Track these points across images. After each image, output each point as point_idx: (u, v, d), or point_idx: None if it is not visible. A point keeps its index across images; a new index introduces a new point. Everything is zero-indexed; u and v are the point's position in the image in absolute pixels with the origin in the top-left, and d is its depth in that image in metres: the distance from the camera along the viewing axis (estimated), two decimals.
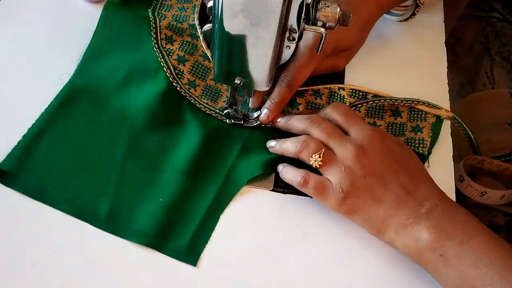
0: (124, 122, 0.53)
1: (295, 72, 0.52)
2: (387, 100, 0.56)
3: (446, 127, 0.56)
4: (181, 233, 0.48)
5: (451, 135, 0.55)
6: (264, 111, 0.53)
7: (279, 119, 0.53)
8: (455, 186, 0.52)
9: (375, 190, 0.45)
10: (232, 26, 0.42)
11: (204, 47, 0.59)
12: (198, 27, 0.60)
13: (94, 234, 0.48)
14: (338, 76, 0.59)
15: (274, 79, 0.50)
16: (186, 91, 0.55)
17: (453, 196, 0.50)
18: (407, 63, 0.61)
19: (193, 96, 0.55)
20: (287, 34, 0.45)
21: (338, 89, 0.57)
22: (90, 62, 0.57)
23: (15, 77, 0.56)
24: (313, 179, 0.46)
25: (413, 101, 0.55)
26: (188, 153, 0.51)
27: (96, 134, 0.52)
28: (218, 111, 0.55)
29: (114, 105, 0.54)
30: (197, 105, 0.55)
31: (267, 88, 0.49)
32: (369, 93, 0.57)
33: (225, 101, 0.56)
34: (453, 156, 0.54)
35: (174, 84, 0.55)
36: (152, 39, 0.58)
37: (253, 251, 0.48)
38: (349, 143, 0.46)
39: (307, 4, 0.44)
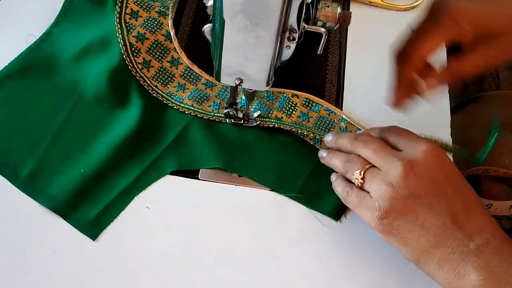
0: (73, 93, 0.54)
1: (409, 43, 0.44)
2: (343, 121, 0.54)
3: (446, 131, 0.56)
4: (90, 207, 0.48)
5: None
6: None
7: (329, 138, 0.49)
8: None
9: (418, 214, 0.40)
10: (232, 25, 0.42)
11: (169, 25, 0.58)
12: (170, 6, 0.59)
13: None
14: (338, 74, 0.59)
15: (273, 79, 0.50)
16: (138, 70, 0.55)
17: None
18: None
19: (144, 76, 0.55)
20: (287, 34, 0.45)
21: (292, 96, 0.56)
22: (57, 28, 0.58)
23: None
24: (354, 192, 0.43)
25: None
26: (123, 132, 0.52)
27: (43, 99, 0.54)
28: (165, 95, 0.55)
29: (69, 74, 0.56)
30: (145, 86, 0.55)
31: (267, 88, 0.49)
32: (322, 105, 0.56)
33: (175, 87, 0.56)
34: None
35: (127, 62, 0.55)
36: (116, 12, 0.57)
37: (253, 251, 0.47)
38: (396, 158, 0.41)
39: (307, 4, 0.44)
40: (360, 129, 0.54)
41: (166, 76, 0.56)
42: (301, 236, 0.48)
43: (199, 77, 0.57)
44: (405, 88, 0.45)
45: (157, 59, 0.57)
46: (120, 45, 0.55)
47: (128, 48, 0.55)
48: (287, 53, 0.47)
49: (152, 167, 0.51)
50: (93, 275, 0.46)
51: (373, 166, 0.43)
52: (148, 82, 0.55)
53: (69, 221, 0.48)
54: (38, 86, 0.55)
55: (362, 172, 0.43)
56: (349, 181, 0.45)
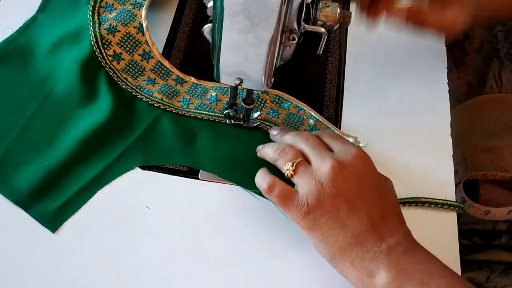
0: (45, 85, 0.55)
1: None
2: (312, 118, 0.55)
3: (446, 131, 0.56)
4: (52, 199, 0.49)
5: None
6: None
7: (275, 132, 0.51)
8: None
9: (340, 212, 0.42)
10: (232, 26, 0.42)
11: (142, 17, 0.58)
12: None
13: (94, 234, 0.48)
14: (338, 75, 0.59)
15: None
16: (108, 62, 0.55)
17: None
18: (406, 63, 0.61)
19: (114, 68, 0.55)
20: (287, 34, 0.45)
21: (262, 93, 0.56)
22: (35, 23, 0.59)
23: None
24: (279, 187, 0.44)
25: None
26: (91, 125, 0.52)
27: (15, 91, 0.55)
28: (135, 88, 0.55)
29: (42, 67, 0.56)
30: (115, 78, 0.55)
31: (267, 88, 0.49)
32: (292, 102, 0.56)
33: (145, 80, 0.56)
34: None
35: (97, 53, 0.55)
36: (89, 6, 0.57)
37: (253, 251, 0.47)
38: (328, 157, 0.43)
39: (307, 4, 0.44)
40: (328, 127, 0.54)
41: (136, 70, 0.56)
42: (301, 236, 0.48)
43: (170, 73, 0.57)
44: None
45: (128, 52, 0.56)
46: (91, 37, 0.55)
47: (99, 40, 0.55)
48: (287, 53, 0.47)
49: (118, 161, 0.51)
50: (93, 275, 0.46)
51: (305, 160, 0.44)
52: (118, 74, 0.55)
53: (30, 213, 0.48)
54: (11, 78, 0.55)
55: (295, 164, 0.44)
56: (277, 172, 0.46)
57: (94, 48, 0.55)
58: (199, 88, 0.56)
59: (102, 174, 0.50)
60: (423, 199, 0.51)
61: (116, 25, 0.56)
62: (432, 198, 0.51)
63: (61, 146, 0.51)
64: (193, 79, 0.57)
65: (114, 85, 0.55)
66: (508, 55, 0.70)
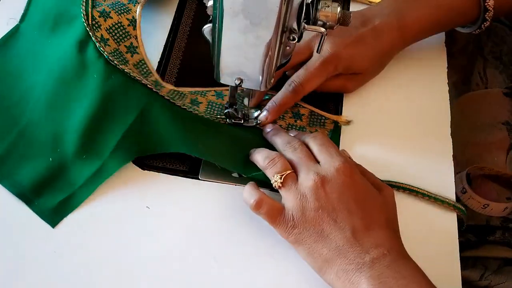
0: (45, 71, 0.53)
1: (304, 79, 0.52)
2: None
3: (446, 131, 0.55)
4: (54, 194, 0.48)
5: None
6: (264, 112, 0.53)
7: (268, 129, 0.53)
8: (458, 196, 0.51)
9: (324, 226, 0.43)
10: (232, 25, 0.42)
11: (137, 13, 0.57)
12: None
13: (94, 234, 0.48)
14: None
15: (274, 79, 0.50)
16: (98, 43, 0.53)
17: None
18: (407, 63, 0.61)
19: (102, 49, 0.53)
20: (287, 34, 0.45)
21: (241, 92, 0.55)
22: (34, 7, 0.58)
23: None
24: (267, 204, 0.45)
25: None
26: (85, 113, 0.50)
27: (21, 81, 0.54)
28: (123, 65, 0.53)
29: (44, 51, 0.55)
30: (103, 52, 0.52)
31: (267, 88, 0.49)
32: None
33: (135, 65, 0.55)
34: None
35: (89, 32, 0.53)
36: None
37: (253, 251, 0.47)
38: (313, 171, 0.44)
39: (307, 4, 0.44)
40: (323, 117, 0.56)
41: (120, 60, 0.54)
42: None
43: (150, 74, 0.56)
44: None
45: (115, 41, 0.55)
46: (82, 15, 0.53)
47: (90, 19, 0.54)
48: (287, 53, 0.47)
49: (115, 153, 0.50)
50: (93, 275, 0.46)
51: (294, 172, 0.46)
52: (108, 56, 0.53)
53: (31, 207, 0.48)
54: (19, 68, 0.55)
55: (283, 177, 0.45)
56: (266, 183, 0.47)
57: (87, 28, 0.53)
58: (177, 94, 0.56)
59: (101, 168, 0.50)
60: (425, 192, 0.51)
61: (110, 12, 0.55)
62: (435, 194, 0.51)
63: (63, 140, 0.50)
64: (172, 86, 0.56)
65: (106, 63, 0.52)
66: (492, 53, 0.71)
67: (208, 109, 0.55)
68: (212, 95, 0.56)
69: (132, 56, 0.55)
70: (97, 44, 0.52)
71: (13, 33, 0.57)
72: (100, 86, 0.52)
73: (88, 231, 0.48)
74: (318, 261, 0.43)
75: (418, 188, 0.51)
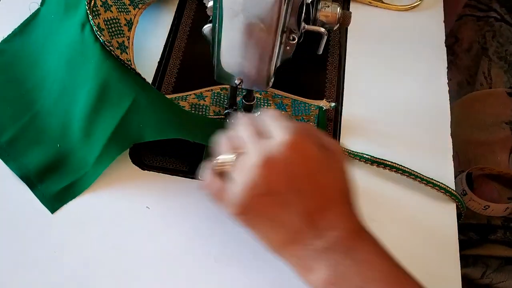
0: (56, 56, 0.54)
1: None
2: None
3: (446, 131, 0.56)
4: (57, 181, 0.49)
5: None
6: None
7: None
8: None
9: (274, 210, 0.38)
10: (232, 25, 0.42)
11: (135, 17, 0.57)
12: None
13: (94, 234, 0.48)
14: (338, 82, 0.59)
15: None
16: (96, 28, 0.52)
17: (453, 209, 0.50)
18: (407, 63, 0.61)
19: (100, 34, 0.52)
20: (287, 34, 0.45)
21: (221, 90, 0.56)
22: None
23: None
24: (215, 185, 0.40)
25: None
26: (86, 100, 0.51)
27: (37, 68, 0.55)
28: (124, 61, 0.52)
29: (56, 35, 0.55)
30: (99, 36, 0.51)
31: (267, 88, 0.49)
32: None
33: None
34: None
35: (89, 15, 0.52)
36: None
37: (253, 252, 0.47)
38: (258, 150, 0.38)
39: (307, 4, 0.44)
40: (306, 103, 0.56)
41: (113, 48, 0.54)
42: None
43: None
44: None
45: (110, 34, 0.55)
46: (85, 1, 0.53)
47: (92, 4, 0.53)
48: (287, 53, 0.47)
49: (114, 138, 0.49)
50: (93, 275, 0.46)
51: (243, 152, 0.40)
52: (103, 37, 0.52)
53: (34, 191, 0.49)
54: (36, 53, 0.55)
55: (234, 158, 0.40)
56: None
57: (87, 7, 0.52)
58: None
59: (101, 156, 0.50)
60: (424, 177, 0.51)
61: (111, 6, 0.56)
62: (434, 179, 0.51)
63: (69, 128, 0.51)
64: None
65: (102, 47, 0.51)
66: (497, 53, 0.71)
67: (192, 110, 0.55)
68: (193, 98, 0.56)
69: (121, 53, 0.55)
70: (95, 28, 0.52)
71: (34, 17, 0.58)
72: (97, 72, 0.51)
73: (88, 231, 0.48)
74: (274, 247, 0.40)
75: (417, 172, 0.51)
